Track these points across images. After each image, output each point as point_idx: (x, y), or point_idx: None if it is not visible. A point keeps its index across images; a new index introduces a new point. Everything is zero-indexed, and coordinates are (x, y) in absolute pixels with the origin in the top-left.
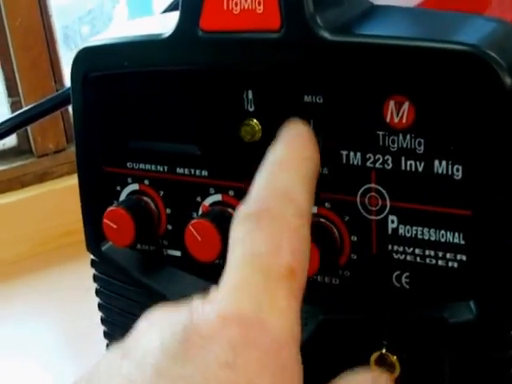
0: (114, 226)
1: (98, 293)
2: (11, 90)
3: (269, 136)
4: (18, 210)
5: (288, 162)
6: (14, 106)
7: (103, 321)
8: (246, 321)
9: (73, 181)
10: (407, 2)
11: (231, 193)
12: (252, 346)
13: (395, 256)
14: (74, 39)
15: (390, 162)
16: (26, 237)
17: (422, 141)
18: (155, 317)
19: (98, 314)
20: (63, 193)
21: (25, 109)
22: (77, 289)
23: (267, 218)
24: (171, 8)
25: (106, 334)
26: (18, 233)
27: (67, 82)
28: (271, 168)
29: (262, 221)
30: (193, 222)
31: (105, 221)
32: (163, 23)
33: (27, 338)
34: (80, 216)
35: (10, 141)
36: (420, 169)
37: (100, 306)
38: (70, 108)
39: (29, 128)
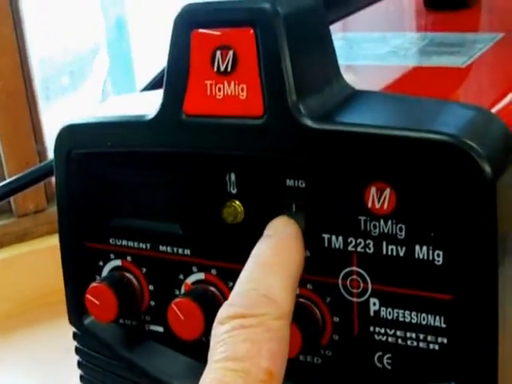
0: (97, 302)
1: (80, 365)
2: None
3: (251, 218)
4: None
5: (274, 265)
6: None
7: None
8: None
9: (53, 241)
10: (384, 85)
11: (214, 272)
12: None
13: (377, 337)
14: (55, 91)
15: (371, 246)
16: (5, 297)
17: (403, 226)
18: None
19: (77, 375)
20: (43, 253)
21: (7, 181)
22: (57, 349)
23: (249, 320)
24: (151, 86)
25: None
26: None
27: (48, 143)
28: (259, 268)
29: (244, 323)
30: (176, 301)
31: (87, 297)
32: (146, 103)
33: None
34: (59, 276)
35: None
36: (401, 253)
37: (82, 378)
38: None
39: None
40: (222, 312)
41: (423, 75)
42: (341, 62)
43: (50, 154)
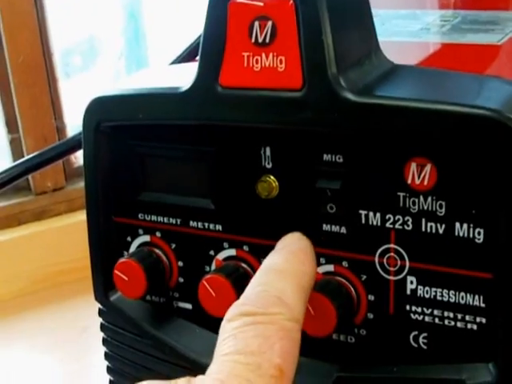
0: (125, 278)
1: (104, 342)
2: (11, 127)
3: (286, 193)
4: (15, 248)
5: (287, 272)
6: (14, 142)
7: (109, 370)
8: None
9: (70, 219)
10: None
11: (246, 248)
12: None
13: (413, 316)
14: (74, 71)
15: (410, 223)
16: (22, 275)
17: (444, 203)
18: None
19: (93, 354)
20: (61, 231)
21: (27, 157)
22: (73, 327)
23: (261, 317)
24: (180, 59)
25: (111, 383)
26: (15, 270)
27: (67, 118)
28: (271, 273)
29: (257, 320)
30: (207, 277)
31: (116, 272)
32: (177, 76)
33: (23, 376)
34: (77, 255)
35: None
36: (441, 231)
37: (106, 355)
38: None
39: None
40: (232, 310)
41: (459, 52)
42: None
43: (69, 131)
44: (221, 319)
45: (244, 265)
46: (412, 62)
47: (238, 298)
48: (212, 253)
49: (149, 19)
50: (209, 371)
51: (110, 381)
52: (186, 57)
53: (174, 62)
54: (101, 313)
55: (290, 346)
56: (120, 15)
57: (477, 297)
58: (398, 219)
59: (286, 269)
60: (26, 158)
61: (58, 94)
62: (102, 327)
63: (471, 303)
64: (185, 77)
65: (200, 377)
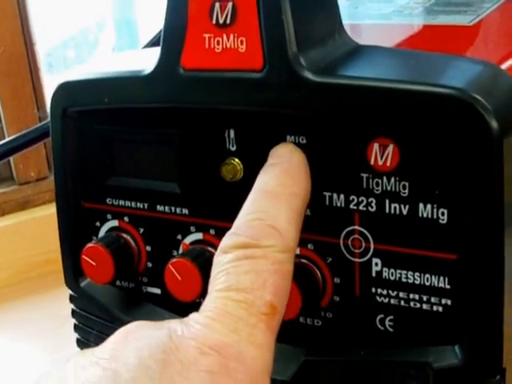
0: (93, 263)
1: (76, 328)
2: None
3: (250, 175)
4: None
5: (278, 196)
6: None
7: None
8: (225, 352)
9: (54, 209)
10: (389, 42)
11: (212, 231)
12: (229, 377)
13: (379, 299)
14: (58, 65)
15: (373, 204)
16: (5, 265)
17: (407, 184)
18: (132, 333)
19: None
20: (44, 221)
21: (6, 140)
22: (57, 318)
23: (254, 251)
24: (153, 43)
25: None
26: None
27: None
28: (262, 198)
29: (248, 253)
30: (173, 261)
31: (83, 257)
32: (144, 59)
33: (5, 368)
34: None
35: None
36: (404, 212)
37: (78, 342)
38: None
39: None
40: (226, 241)
41: (429, 33)
42: (346, 21)
43: None
44: (187, 304)
45: (210, 248)
46: (381, 43)
47: (204, 282)
48: (179, 237)
49: (139, 7)
50: (202, 307)
51: None
52: (158, 41)
53: (146, 46)
54: (72, 299)
55: (282, 280)
56: (111, 8)
57: (442, 278)
58: (362, 200)
59: (278, 191)
60: (1, 142)
61: (40, 84)
62: (74, 313)
63: (436, 285)
64: (151, 60)
65: (193, 315)
